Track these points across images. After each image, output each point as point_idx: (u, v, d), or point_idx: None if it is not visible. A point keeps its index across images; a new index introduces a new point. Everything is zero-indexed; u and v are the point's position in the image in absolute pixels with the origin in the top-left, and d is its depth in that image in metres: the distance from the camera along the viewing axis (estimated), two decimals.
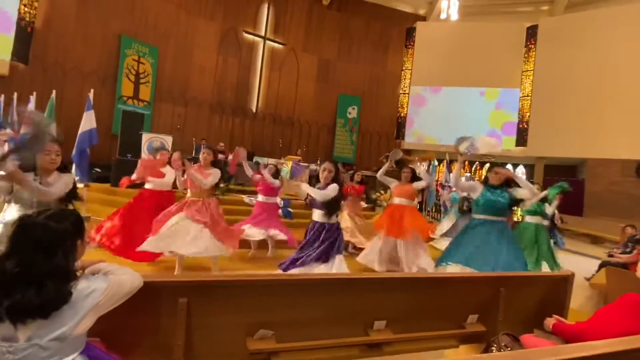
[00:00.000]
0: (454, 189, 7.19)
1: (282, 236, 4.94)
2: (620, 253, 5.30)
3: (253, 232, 4.81)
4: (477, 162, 13.85)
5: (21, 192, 2.18)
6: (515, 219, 6.41)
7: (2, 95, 7.32)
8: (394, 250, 4.78)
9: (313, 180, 4.14)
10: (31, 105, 6.70)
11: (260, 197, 5.14)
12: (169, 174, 4.33)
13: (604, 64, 11.15)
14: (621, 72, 10.78)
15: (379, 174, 5.05)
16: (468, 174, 12.87)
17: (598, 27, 11.34)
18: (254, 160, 10.18)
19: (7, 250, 1.16)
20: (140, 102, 10.72)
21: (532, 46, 12.81)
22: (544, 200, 5.03)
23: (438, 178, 11.51)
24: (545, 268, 4.62)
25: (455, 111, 13.29)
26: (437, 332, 2.13)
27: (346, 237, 4.97)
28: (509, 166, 13.75)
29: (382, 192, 7.71)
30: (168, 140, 7.81)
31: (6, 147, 5.89)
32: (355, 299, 1.94)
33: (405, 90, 14.40)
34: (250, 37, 12.86)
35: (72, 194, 2.36)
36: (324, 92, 14.00)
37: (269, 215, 5.03)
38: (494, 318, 2.25)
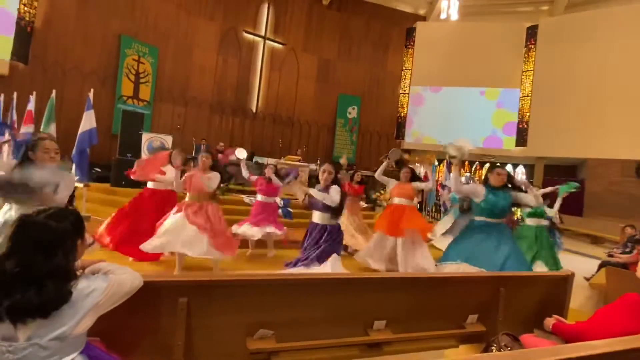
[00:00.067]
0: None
1: (278, 233, 4.98)
2: (620, 253, 5.30)
3: (252, 232, 4.85)
4: (477, 162, 13.86)
5: None
6: (515, 218, 6.40)
7: (2, 95, 7.31)
8: (393, 250, 4.78)
9: (313, 180, 4.15)
10: (31, 105, 6.69)
11: (260, 197, 5.16)
12: (170, 172, 4.35)
13: (604, 64, 11.14)
14: (621, 72, 10.77)
15: (377, 174, 5.06)
16: (468, 174, 12.88)
17: (598, 27, 11.33)
18: (254, 160, 10.18)
19: (7, 250, 1.16)
20: (140, 102, 10.72)
21: (532, 46, 12.79)
22: (545, 196, 5.03)
23: (438, 178, 11.51)
24: (538, 268, 4.58)
25: (455, 111, 13.27)
26: (437, 332, 2.13)
27: (345, 238, 4.98)
28: (509, 166, 13.77)
29: (382, 192, 7.70)
30: (168, 140, 7.82)
31: (6, 148, 5.89)
32: (355, 299, 1.94)
33: (405, 90, 14.36)
34: (250, 37, 12.85)
35: (71, 195, 2.36)
36: (324, 92, 13.99)
37: (268, 215, 5.06)
38: (494, 318, 2.25)
